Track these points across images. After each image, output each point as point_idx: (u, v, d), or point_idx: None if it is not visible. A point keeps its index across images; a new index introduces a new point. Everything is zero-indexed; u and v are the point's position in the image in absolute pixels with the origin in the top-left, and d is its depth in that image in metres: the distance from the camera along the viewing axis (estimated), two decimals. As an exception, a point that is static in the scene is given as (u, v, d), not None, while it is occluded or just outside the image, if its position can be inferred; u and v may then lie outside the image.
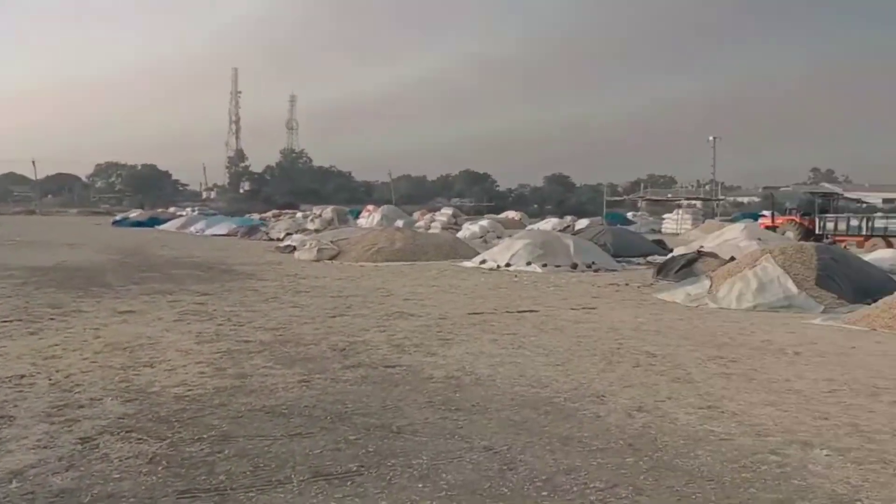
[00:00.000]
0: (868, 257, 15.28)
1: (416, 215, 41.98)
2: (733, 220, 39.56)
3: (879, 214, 27.85)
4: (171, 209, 64.40)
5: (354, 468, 4.20)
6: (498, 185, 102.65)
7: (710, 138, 76.27)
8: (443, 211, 38.36)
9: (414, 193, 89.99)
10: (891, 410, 5.46)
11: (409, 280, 14.90)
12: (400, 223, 34.04)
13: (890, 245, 22.67)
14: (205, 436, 4.75)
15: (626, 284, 14.38)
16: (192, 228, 39.08)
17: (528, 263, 17.08)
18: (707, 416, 5.27)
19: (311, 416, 5.19)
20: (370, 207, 44.49)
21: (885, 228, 25.48)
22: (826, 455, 4.43)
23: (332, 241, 20.45)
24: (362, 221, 39.67)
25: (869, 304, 10.34)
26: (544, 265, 16.94)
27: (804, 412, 5.39)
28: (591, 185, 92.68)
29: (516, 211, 55.00)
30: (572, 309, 10.89)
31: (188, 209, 63.75)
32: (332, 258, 19.22)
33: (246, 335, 8.35)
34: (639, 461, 4.33)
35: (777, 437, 4.78)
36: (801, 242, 17.35)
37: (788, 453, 4.47)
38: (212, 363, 6.87)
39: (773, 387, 6.19)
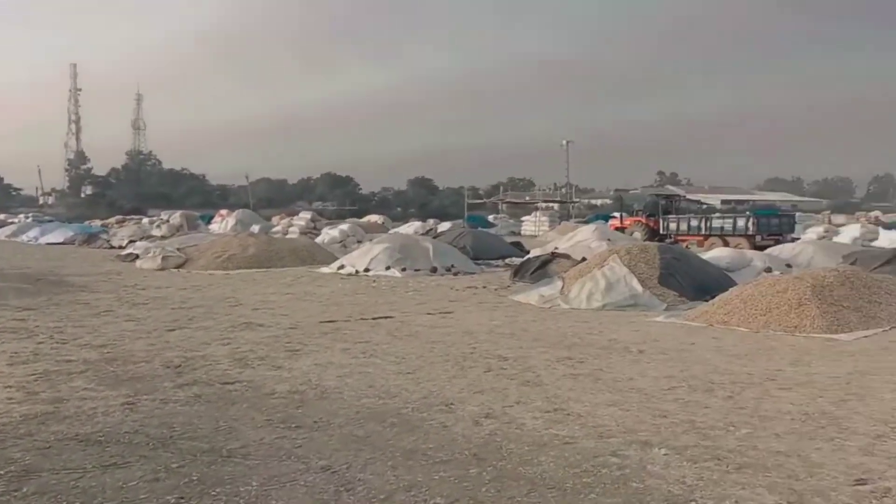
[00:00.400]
0: (706, 256, 16.17)
1: (274, 220, 40.70)
2: (587, 222, 41.15)
3: (717, 215, 29.76)
4: (2, 216, 59.03)
5: (173, 500, 3.79)
6: (361, 189, 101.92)
7: (564, 143, 79.27)
8: (301, 215, 37.19)
9: (274, 197, 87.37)
10: (725, 405, 5.64)
11: (262, 288, 14.29)
12: (256, 228, 32.82)
13: (726, 244, 24.27)
14: (2, 472, 4.16)
15: (484, 287, 14.47)
16: (24, 237, 36.06)
17: (388, 268, 16.89)
18: (553, 420, 5.23)
19: (131, 444, 4.69)
20: (223, 212, 42.51)
21: (722, 228, 27.28)
22: (664, 454, 4.47)
23: (178, 249, 19.36)
24: (215, 227, 37.90)
25: (707, 300, 10.88)
26: (403, 269, 16.81)
27: (645, 411, 5.47)
28: (453, 188, 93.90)
29: (379, 214, 54.74)
30: (428, 313, 10.76)
31: (21, 216, 58.70)
32: (178, 266, 18.18)
33: (68, 354, 7.59)
34: (482, 472, 4.18)
35: (618, 438, 4.79)
36: (646, 242, 18.20)
37: (628, 454, 4.48)
38: (23, 387, 6.15)
39: (617, 386, 6.28)
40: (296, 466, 4.28)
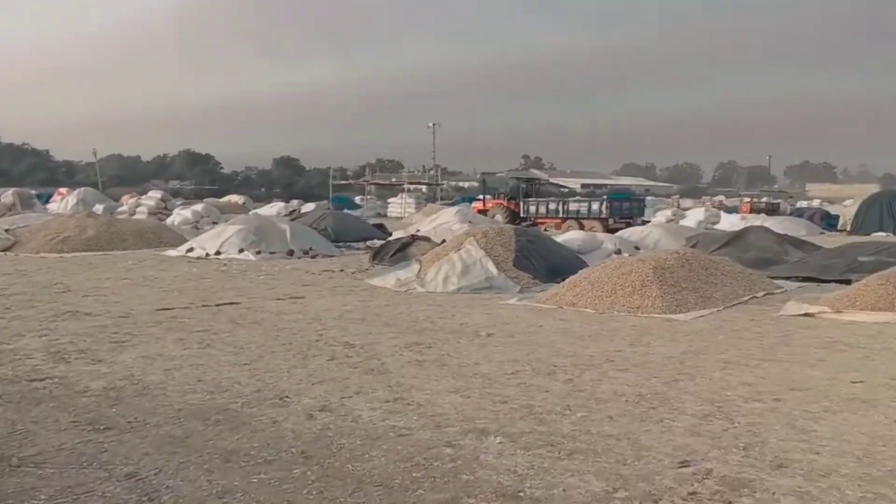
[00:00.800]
0: (561, 238, 16.57)
1: (123, 199, 38.12)
2: (453, 204, 41.41)
3: (574, 199, 30.79)
4: None
5: (-64, 525, 3.27)
6: (223, 168, 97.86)
7: (431, 124, 79.66)
8: (150, 194, 34.95)
9: (126, 175, 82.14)
10: (564, 388, 5.65)
11: (98, 272, 13.24)
12: (99, 208, 30.63)
13: (582, 227, 25.11)
14: None
15: (341, 270, 14.12)
16: None
17: (241, 251, 16.19)
18: (391, 411, 5.02)
19: None
20: (63, 190, 39.24)
21: (578, 211, 28.27)
22: (499, 443, 4.36)
23: (7, 230, 17.67)
24: (53, 206, 35.08)
25: (559, 282, 11.07)
26: (258, 252, 16.17)
27: (486, 397, 5.37)
28: (321, 168, 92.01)
29: (241, 195, 52.65)
30: (278, 299, 10.31)
31: None
32: (5, 250, 16.58)
33: None
34: (307, 472, 3.91)
35: (455, 427, 4.65)
36: (503, 225, 18.46)
37: (463, 444, 4.34)
38: None
39: (462, 371, 6.16)
40: (96, 474, 3.83)
